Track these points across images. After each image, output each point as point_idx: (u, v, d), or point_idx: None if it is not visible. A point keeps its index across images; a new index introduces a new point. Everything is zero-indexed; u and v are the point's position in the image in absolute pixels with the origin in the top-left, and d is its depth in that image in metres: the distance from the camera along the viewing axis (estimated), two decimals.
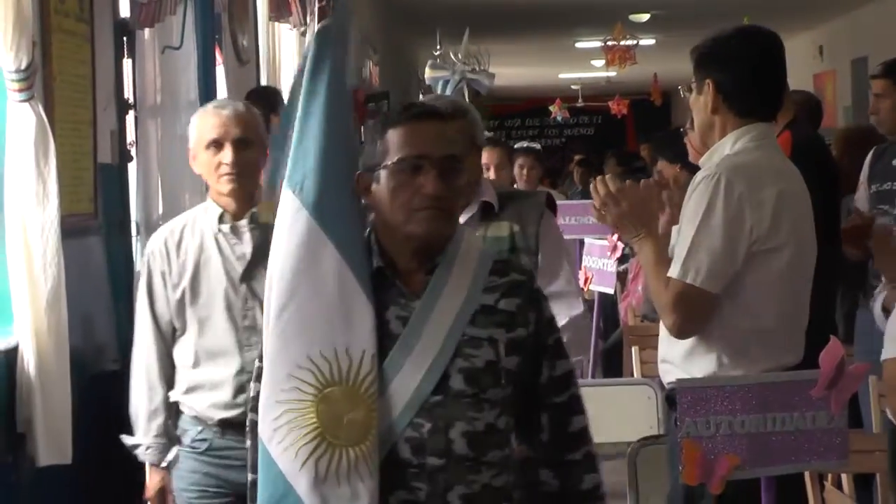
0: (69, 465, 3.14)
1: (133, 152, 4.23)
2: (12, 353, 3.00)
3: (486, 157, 4.20)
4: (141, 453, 2.95)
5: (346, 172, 1.91)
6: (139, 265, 3.77)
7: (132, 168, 4.22)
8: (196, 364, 2.86)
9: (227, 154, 2.79)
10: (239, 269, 2.84)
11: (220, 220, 2.85)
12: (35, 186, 3.00)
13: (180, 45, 4.22)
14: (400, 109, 2.01)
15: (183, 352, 2.89)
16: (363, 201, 1.95)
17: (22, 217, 2.99)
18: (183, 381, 2.89)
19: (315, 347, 1.81)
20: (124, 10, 4.08)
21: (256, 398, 1.92)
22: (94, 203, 3.73)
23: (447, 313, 1.88)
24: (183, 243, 2.87)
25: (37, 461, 3.03)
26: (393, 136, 1.90)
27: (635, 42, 12.13)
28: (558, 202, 4.82)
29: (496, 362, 1.88)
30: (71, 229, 3.26)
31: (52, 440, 3.05)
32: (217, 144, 2.81)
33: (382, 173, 1.89)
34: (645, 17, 12.04)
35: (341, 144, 1.92)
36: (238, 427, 2.61)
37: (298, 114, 1.93)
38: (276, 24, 6.27)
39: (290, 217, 1.88)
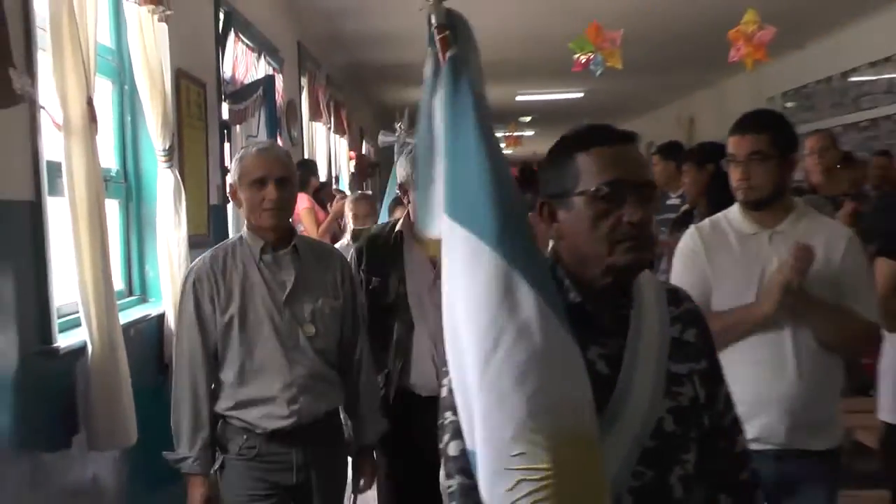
0: None
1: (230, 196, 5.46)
2: (161, 318, 4.35)
3: None
4: (186, 466, 3.12)
5: (519, 202, 1.66)
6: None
7: (230, 206, 5.73)
8: (244, 382, 3.05)
9: (270, 191, 2.98)
10: (281, 294, 3.04)
11: (263, 250, 3.05)
12: (174, 217, 4.32)
13: (257, 135, 5.76)
14: (587, 131, 1.77)
15: (230, 370, 3.06)
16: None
17: (166, 235, 4.31)
18: (229, 396, 3.08)
19: (536, 401, 1.50)
20: (225, 115, 5.87)
21: (457, 458, 1.67)
22: (207, 227, 5.33)
23: (652, 349, 1.71)
24: (227, 271, 3.05)
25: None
26: (586, 160, 1.70)
27: (521, 133, 20.35)
28: None
29: (697, 398, 1.76)
30: (194, 243, 4.53)
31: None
32: (261, 182, 2.99)
33: (577, 200, 1.69)
34: (527, 118, 19.37)
35: (503, 171, 1.65)
36: (285, 435, 3.06)
37: (445, 145, 1.69)
38: (313, 122, 9.36)
39: (469, 255, 1.60)
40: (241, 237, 3.10)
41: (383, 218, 5.25)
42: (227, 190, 3.10)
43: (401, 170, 3.79)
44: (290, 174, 3.06)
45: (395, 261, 3.47)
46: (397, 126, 7.29)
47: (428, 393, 3.19)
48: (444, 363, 1.70)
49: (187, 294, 3.05)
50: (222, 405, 3.08)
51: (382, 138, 8.32)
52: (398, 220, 3.62)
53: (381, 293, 3.46)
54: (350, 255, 3.80)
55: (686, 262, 2.80)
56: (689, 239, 2.83)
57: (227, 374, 3.06)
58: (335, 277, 3.18)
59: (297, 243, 3.12)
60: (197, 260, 3.12)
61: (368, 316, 3.41)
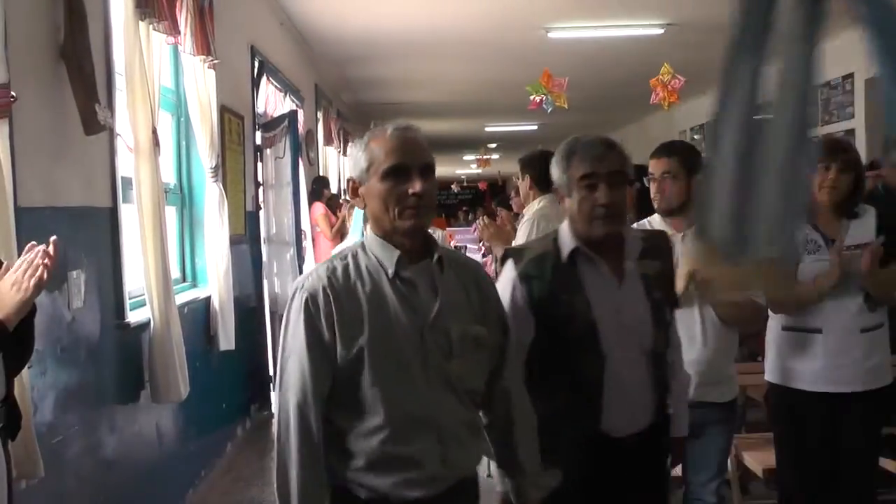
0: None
1: (261, 204, 5.91)
2: (207, 299, 4.39)
3: None
4: None
5: None
6: (265, 273, 5.60)
7: (261, 212, 5.89)
8: (375, 435, 1.73)
9: (415, 183, 1.75)
10: (424, 320, 1.74)
11: (399, 262, 1.76)
12: (218, 220, 4.35)
13: (283, 156, 5.65)
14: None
15: (356, 420, 1.74)
16: None
17: (212, 234, 4.36)
18: (353, 455, 1.75)
19: None
20: (258, 140, 5.91)
21: None
22: (244, 228, 5.33)
23: None
24: (352, 288, 1.75)
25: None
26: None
27: (489, 156, 19.85)
28: (455, 227, 12.24)
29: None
30: (233, 241, 4.65)
31: (226, 336, 4.40)
32: (401, 172, 1.75)
33: None
34: (494, 145, 19.23)
35: None
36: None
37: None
38: (326, 147, 9.51)
39: None
40: (363, 246, 1.82)
41: (356, 228, 4.12)
42: (347, 186, 1.86)
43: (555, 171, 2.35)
44: (433, 161, 1.82)
45: (574, 283, 2.11)
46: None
47: (624, 434, 2.10)
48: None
49: (296, 317, 1.73)
50: (343, 468, 1.76)
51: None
52: (554, 232, 2.21)
53: (562, 323, 2.10)
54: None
55: None
56: None
57: (352, 425, 1.75)
58: (480, 296, 1.87)
59: (441, 253, 1.82)
60: (308, 272, 1.80)
61: (547, 351, 2.12)
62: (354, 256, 1.78)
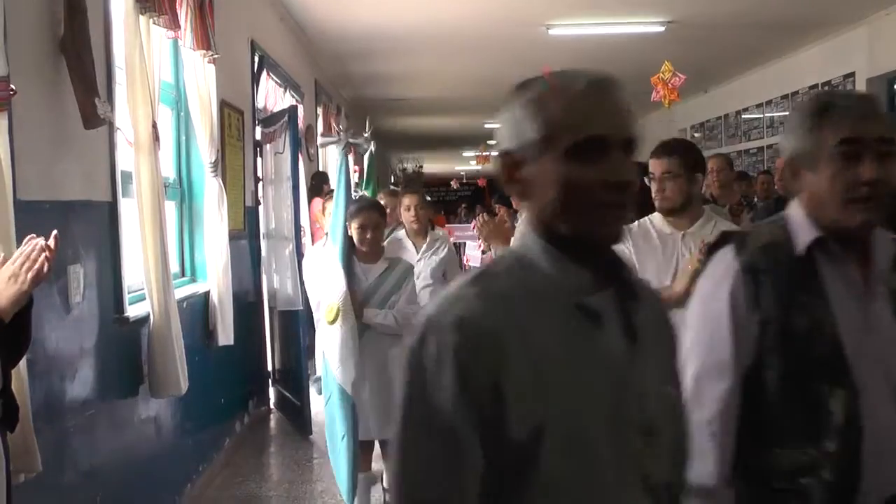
0: None
1: (260, 199, 5.94)
2: (206, 294, 4.37)
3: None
4: None
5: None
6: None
7: (260, 208, 5.90)
8: None
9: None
10: (620, 377, 1.07)
11: (585, 285, 1.08)
12: (217, 215, 4.33)
13: (283, 151, 5.53)
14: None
15: None
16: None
17: (211, 229, 4.34)
18: None
19: None
20: (258, 136, 5.93)
21: None
22: (244, 224, 5.33)
23: None
24: (525, 330, 1.03)
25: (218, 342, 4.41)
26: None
27: (489, 153, 18.51)
28: (454, 224, 11.55)
29: None
30: (233, 236, 4.65)
31: (225, 331, 4.38)
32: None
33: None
34: (494, 142, 16.60)
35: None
36: None
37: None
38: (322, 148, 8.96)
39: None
40: (520, 257, 1.11)
41: (335, 220, 3.58)
42: (504, 164, 1.12)
43: None
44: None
45: (814, 286, 1.48)
46: (338, 128, 5.38)
47: (886, 498, 1.46)
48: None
49: (435, 370, 1.01)
50: None
51: (322, 139, 6.25)
52: (780, 217, 1.58)
53: (802, 341, 1.46)
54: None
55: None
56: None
57: None
58: (670, 339, 1.23)
59: (631, 273, 1.17)
60: (447, 296, 1.08)
61: (777, 381, 1.47)
62: (513, 271, 1.08)
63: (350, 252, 3.50)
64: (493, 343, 1.00)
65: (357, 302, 3.44)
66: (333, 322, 3.40)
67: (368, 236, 3.49)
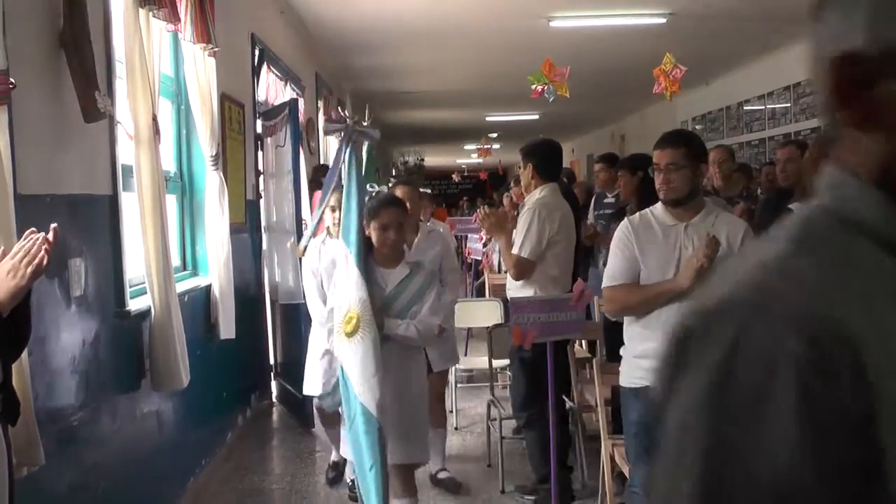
0: None
1: (261, 193, 5.91)
2: (207, 288, 4.37)
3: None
4: None
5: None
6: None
7: (261, 201, 5.86)
8: None
9: None
10: None
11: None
12: (218, 209, 4.33)
13: (284, 145, 5.51)
14: None
15: None
16: None
17: (212, 223, 4.34)
18: None
19: None
20: (258, 129, 5.88)
21: None
22: (245, 217, 5.33)
23: None
24: (877, 329, 0.59)
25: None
26: None
27: (490, 146, 19.18)
28: (456, 217, 12.14)
29: None
30: (234, 230, 4.64)
31: (227, 324, 4.46)
32: None
33: None
34: (495, 135, 19.07)
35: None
36: None
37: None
38: (327, 136, 8.75)
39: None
40: (844, 220, 0.66)
41: (348, 220, 3.17)
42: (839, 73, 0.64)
43: None
44: None
45: None
46: (344, 114, 4.52)
47: None
48: None
49: (753, 406, 0.57)
50: None
51: (327, 126, 4.90)
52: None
53: None
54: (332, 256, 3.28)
55: (621, 246, 2.82)
56: (623, 229, 2.85)
57: None
58: None
59: None
60: (757, 266, 0.64)
61: None
62: (834, 238, 0.66)
63: (368, 255, 3.09)
64: (854, 353, 0.58)
65: (377, 311, 3.03)
66: (353, 334, 2.97)
67: (391, 236, 3.11)
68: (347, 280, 3.04)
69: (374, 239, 3.13)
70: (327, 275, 3.86)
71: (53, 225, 1.84)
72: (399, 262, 3.20)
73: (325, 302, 3.79)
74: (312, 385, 4.10)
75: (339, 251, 3.21)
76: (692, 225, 2.73)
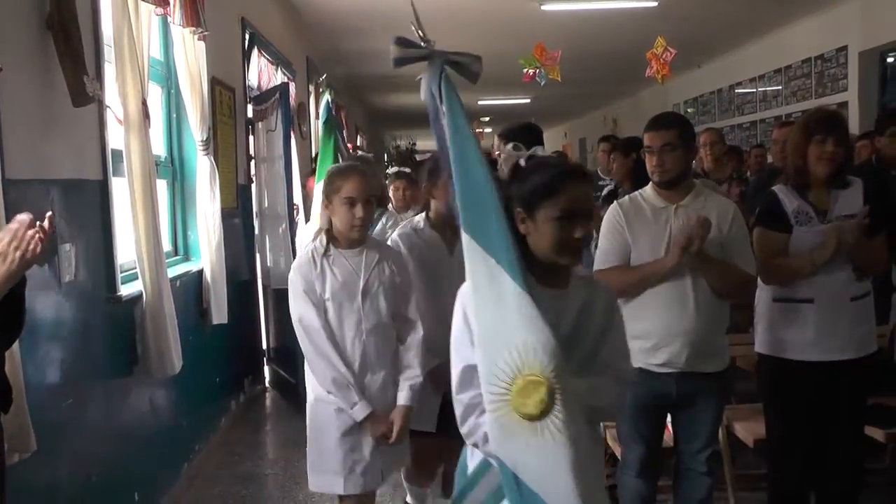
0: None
1: (253, 178, 5.91)
2: (199, 273, 4.34)
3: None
4: None
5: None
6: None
7: (253, 186, 5.87)
8: None
9: None
10: None
11: None
12: (209, 194, 4.30)
13: (275, 129, 5.49)
14: None
15: None
16: None
17: (204, 208, 4.30)
18: None
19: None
20: (249, 114, 5.85)
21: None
22: (236, 202, 5.29)
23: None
24: None
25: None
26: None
27: (483, 130, 19.57)
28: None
29: None
30: (226, 215, 4.58)
31: (219, 310, 4.43)
32: None
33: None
34: (487, 119, 19.10)
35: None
36: None
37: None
38: (318, 120, 8.58)
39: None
40: None
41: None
42: None
43: None
44: None
45: None
46: (422, 34, 2.06)
47: None
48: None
49: None
50: None
51: (398, 52, 1.87)
52: None
53: None
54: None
55: (611, 229, 2.82)
56: (613, 212, 2.85)
57: None
58: None
59: None
60: None
61: None
62: None
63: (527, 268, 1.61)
64: None
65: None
66: (542, 417, 1.50)
67: (577, 235, 1.75)
68: (499, 309, 1.57)
69: (548, 244, 1.76)
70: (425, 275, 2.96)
71: (48, 213, 1.81)
72: (568, 283, 1.82)
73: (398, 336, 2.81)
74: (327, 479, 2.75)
75: (470, 258, 1.62)
76: (682, 206, 2.73)
